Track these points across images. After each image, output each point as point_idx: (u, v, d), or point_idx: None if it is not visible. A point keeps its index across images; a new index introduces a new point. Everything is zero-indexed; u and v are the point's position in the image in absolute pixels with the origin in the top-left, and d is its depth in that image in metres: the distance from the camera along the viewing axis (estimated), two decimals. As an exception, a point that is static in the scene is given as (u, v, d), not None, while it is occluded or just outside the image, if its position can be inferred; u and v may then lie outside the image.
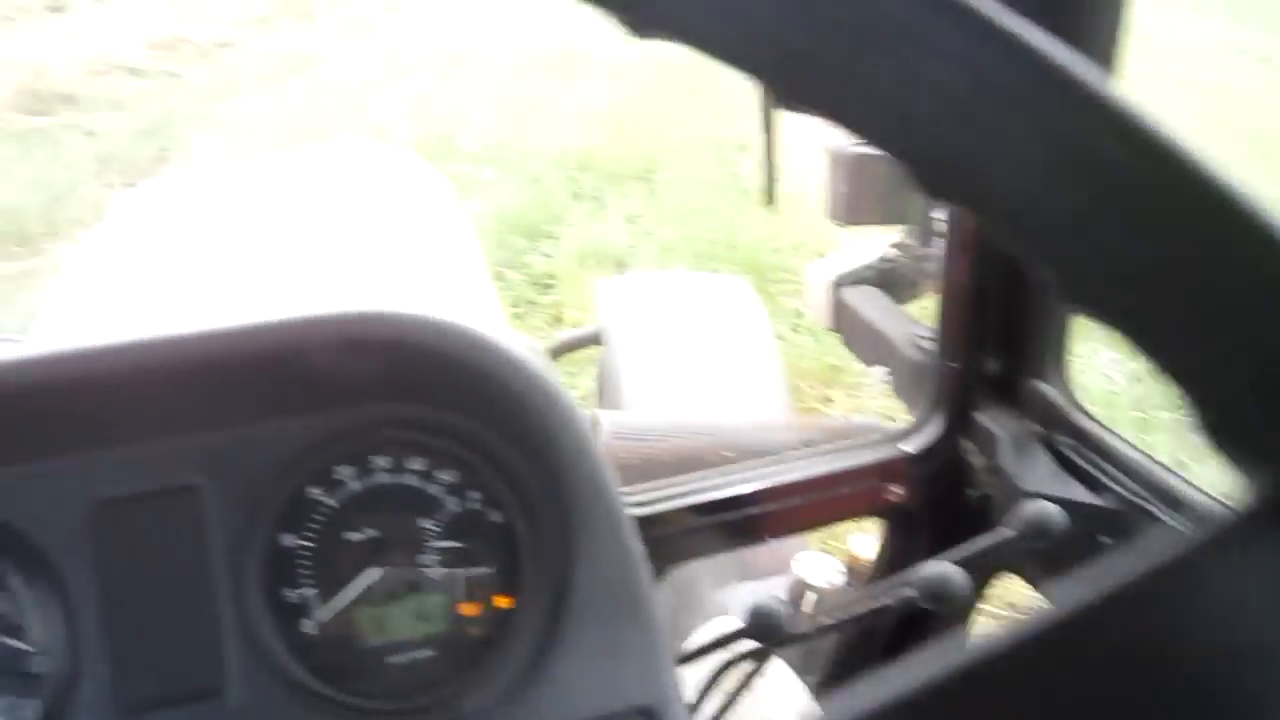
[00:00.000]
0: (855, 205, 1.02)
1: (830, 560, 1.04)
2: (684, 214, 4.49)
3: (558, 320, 3.56)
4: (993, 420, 0.88)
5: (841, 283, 1.06)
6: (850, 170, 1.01)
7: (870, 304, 1.07)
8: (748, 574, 1.17)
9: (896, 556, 0.95)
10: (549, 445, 0.62)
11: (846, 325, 1.07)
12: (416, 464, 0.66)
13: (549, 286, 3.89)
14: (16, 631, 0.59)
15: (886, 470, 0.89)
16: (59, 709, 0.58)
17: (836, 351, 3.33)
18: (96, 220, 4.80)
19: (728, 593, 1.15)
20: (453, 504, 0.66)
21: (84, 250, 1.49)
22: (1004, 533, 0.69)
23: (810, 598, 1.01)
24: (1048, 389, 0.87)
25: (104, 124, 6.09)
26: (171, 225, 1.60)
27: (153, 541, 0.61)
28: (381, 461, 0.65)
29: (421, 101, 6.38)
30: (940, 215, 0.95)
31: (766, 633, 0.67)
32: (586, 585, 0.62)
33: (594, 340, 1.78)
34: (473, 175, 4.77)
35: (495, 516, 0.66)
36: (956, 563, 0.66)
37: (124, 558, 0.60)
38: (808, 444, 0.91)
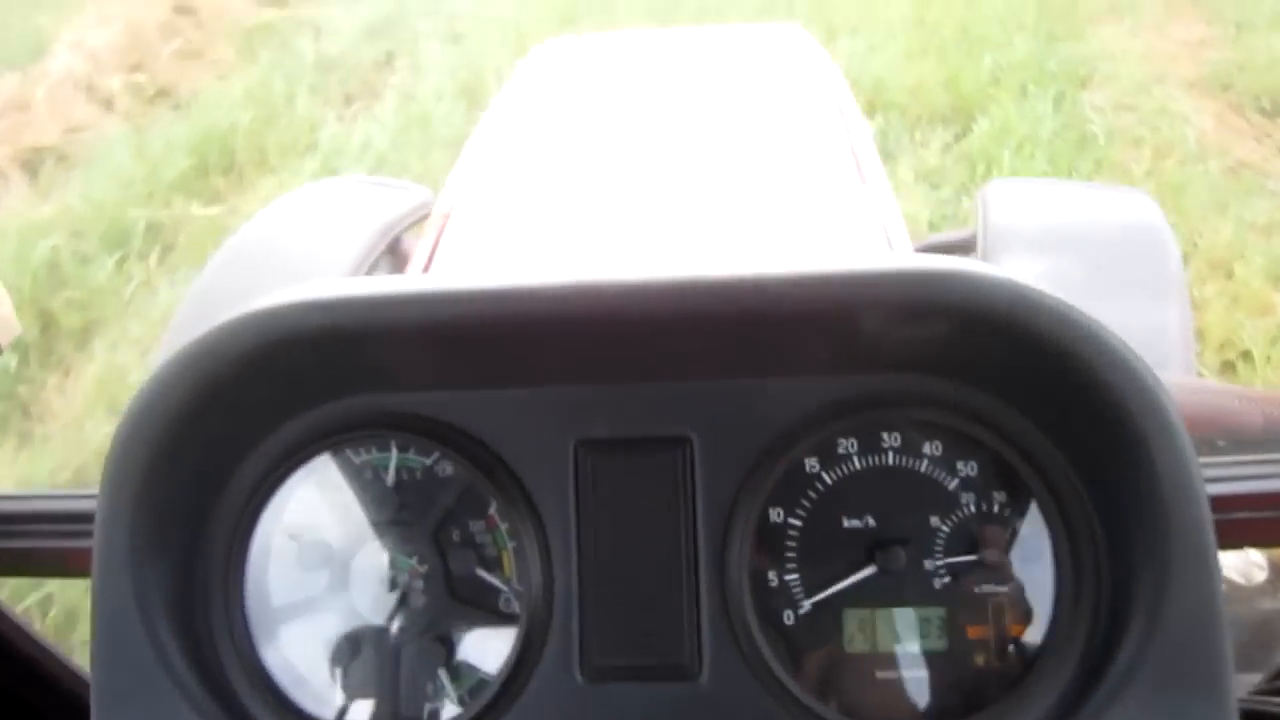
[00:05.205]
0: None
1: (1250, 552, 0.89)
2: (1002, 176, 3.38)
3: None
4: None
5: None
6: None
7: None
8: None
9: None
10: (1134, 462, 0.49)
11: None
12: (933, 448, 0.58)
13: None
14: (494, 566, 0.58)
15: None
16: (526, 660, 0.57)
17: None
18: (306, 148, 4.16)
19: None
20: (969, 502, 0.58)
21: (501, 101, 1.64)
22: None
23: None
24: None
25: (332, 22, 5.58)
26: (577, 86, 1.73)
27: (634, 494, 0.58)
28: (893, 440, 0.58)
29: (675, 5, 5.42)
30: None
31: None
32: (1144, 642, 0.50)
33: (966, 247, 1.63)
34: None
35: (1023, 526, 0.57)
36: None
37: (603, 507, 0.58)
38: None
